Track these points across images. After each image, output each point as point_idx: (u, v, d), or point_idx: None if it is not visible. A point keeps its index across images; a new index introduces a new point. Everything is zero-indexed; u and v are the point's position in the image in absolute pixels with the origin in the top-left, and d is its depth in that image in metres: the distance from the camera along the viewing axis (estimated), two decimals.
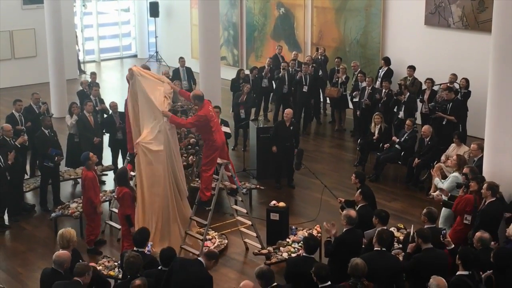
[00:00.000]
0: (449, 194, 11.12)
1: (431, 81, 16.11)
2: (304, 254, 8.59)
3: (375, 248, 8.55)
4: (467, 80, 15.75)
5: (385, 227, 9.14)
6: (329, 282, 7.83)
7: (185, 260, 8.36)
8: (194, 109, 12.12)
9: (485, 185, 10.06)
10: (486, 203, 9.97)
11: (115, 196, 10.94)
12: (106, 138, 15.24)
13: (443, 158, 13.31)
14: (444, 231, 9.27)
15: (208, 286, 8.11)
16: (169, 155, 10.78)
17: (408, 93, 15.83)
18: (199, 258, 8.28)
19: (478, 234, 8.84)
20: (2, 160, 12.34)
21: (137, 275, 7.89)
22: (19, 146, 13.21)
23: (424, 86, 16.48)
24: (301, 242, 10.55)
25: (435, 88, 16.05)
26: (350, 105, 18.10)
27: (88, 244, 11.68)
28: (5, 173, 12.44)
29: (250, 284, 7.57)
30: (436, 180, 11.69)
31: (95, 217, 11.63)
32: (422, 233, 8.74)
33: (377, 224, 9.22)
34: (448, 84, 15.57)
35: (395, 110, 16.02)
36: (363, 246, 9.14)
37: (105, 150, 15.19)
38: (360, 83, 17.20)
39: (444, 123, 14.96)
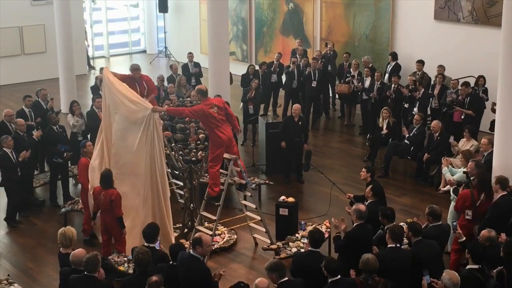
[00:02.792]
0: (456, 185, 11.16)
1: (442, 76, 16.07)
2: (309, 248, 8.60)
3: (389, 245, 8.55)
4: (484, 78, 15.54)
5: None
6: (339, 276, 7.84)
7: (184, 254, 8.42)
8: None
9: (494, 180, 10.07)
10: (497, 197, 9.96)
11: (102, 200, 10.48)
12: None
13: (456, 149, 13.42)
14: (455, 224, 9.26)
15: (206, 277, 8.21)
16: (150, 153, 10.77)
17: (423, 89, 15.78)
18: (191, 252, 8.32)
19: (484, 233, 8.78)
20: (14, 156, 12.40)
21: (146, 271, 7.93)
22: (37, 140, 13.34)
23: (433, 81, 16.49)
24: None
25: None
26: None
27: (83, 233, 11.67)
28: (16, 169, 12.50)
29: (265, 281, 7.58)
30: (445, 170, 11.68)
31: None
32: (413, 227, 8.80)
33: (385, 223, 9.22)
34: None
35: (405, 105, 15.98)
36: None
37: None
38: (365, 78, 17.19)
39: (462, 117, 14.88)
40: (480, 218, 10.06)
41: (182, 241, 11.17)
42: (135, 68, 12.47)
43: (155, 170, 10.79)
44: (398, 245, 8.55)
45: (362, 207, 9.19)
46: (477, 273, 7.99)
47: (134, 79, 12.42)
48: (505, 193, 9.96)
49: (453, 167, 12.10)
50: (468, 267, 8.17)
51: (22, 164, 12.57)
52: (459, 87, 15.21)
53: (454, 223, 9.28)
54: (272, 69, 18.47)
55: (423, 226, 9.34)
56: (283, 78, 18.67)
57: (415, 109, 15.50)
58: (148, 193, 10.83)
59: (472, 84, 15.40)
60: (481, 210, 10.12)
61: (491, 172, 10.94)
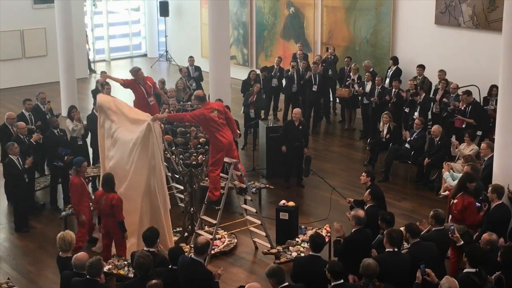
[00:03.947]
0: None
1: (445, 82, 16.06)
2: (311, 253, 8.60)
3: (386, 249, 8.55)
4: (497, 88, 15.40)
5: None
6: (342, 280, 7.83)
7: (185, 259, 8.43)
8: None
9: (490, 188, 10.05)
10: (493, 207, 9.95)
11: (103, 204, 10.49)
12: None
13: (457, 151, 13.50)
14: (452, 228, 9.27)
15: (208, 280, 8.28)
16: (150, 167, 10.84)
17: (424, 94, 15.78)
18: (193, 257, 8.36)
19: (485, 236, 8.80)
20: (21, 162, 12.39)
21: (147, 275, 7.93)
22: (35, 143, 13.35)
23: (434, 86, 16.49)
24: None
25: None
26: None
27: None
28: (23, 176, 12.50)
29: (256, 285, 7.57)
30: (446, 174, 11.67)
31: (81, 224, 11.38)
32: (411, 229, 8.83)
33: (384, 228, 9.23)
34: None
35: (406, 110, 15.98)
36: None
37: None
38: (365, 83, 17.21)
39: (464, 126, 14.82)
40: (458, 221, 10.11)
41: (182, 245, 11.19)
42: (135, 70, 12.61)
43: (154, 184, 10.81)
44: (396, 249, 8.55)
45: (361, 213, 9.19)
46: (474, 277, 8.02)
47: (137, 81, 12.49)
48: (501, 202, 9.95)
49: (453, 171, 12.09)
50: (465, 270, 8.21)
51: (28, 170, 12.58)
52: (459, 92, 15.20)
53: (452, 227, 9.30)
54: (272, 73, 18.48)
55: (425, 230, 9.36)
56: (284, 82, 18.68)
57: (416, 114, 15.50)
58: (147, 207, 10.87)
59: (485, 94, 15.29)
60: (454, 215, 10.18)
61: (492, 177, 10.95)
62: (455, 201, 10.17)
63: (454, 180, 11.47)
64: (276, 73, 18.56)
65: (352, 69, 17.95)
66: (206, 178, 12.18)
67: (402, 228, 10.30)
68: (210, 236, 11.11)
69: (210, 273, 8.41)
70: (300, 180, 14.51)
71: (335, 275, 7.82)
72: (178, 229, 12.00)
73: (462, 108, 14.92)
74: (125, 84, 13.01)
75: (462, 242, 9.25)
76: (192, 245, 8.55)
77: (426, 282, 8.07)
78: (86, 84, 23.01)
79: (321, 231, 11.13)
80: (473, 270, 8.08)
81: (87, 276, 7.91)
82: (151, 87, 12.89)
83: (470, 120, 14.74)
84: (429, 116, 16.07)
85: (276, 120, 17.66)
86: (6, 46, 22.25)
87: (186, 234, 11.74)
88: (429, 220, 9.42)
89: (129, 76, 13.43)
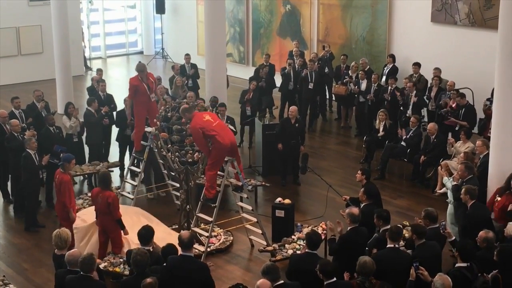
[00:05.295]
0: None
1: (438, 79, 16.07)
2: (307, 250, 8.59)
3: (388, 245, 8.56)
4: None
5: (388, 227, 9.13)
6: (335, 278, 7.83)
7: (175, 258, 8.43)
8: (200, 105, 12.37)
9: (463, 190, 10.06)
10: (469, 207, 9.96)
11: (99, 202, 10.45)
12: (114, 133, 15.22)
13: (452, 149, 13.47)
14: (444, 223, 9.28)
15: (204, 274, 8.30)
16: None
17: (415, 91, 15.77)
18: (183, 253, 8.40)
19: (482, 234, 8.77)
20: (37, 158, 12.37)
21: (145, 272, 7.93)
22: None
23: (430, 84, 16.51)
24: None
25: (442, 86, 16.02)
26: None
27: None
28: (38, 172, 12.50)
29: (267, 283, 7.57)
30: (445, 180, 11.64)
31: (72, 222, 11.24)
32: (417, 230, 8.81)
33: (381, 225, 9.23)
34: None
35: (401, 108, 15.97)
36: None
37: (112, 146, 15.20)
38: (360, 81, 17.20)
39: (457, 128, 14.80)
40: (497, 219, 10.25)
41: None
42: (141, 70, 12.63)
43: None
44: (396, 245, 8.56)
45: (355, 210, 9.19)
46: (465, 271, 8.07)
47: (140, 78, 12.52)
48: (474, 200, 9.97)
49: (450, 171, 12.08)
50: (457, 265, 8.26)
51: (44, 167, 12.58)
52: (453, 91, 15.19)
53: (443, 223, 9.31)
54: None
55: None
56: (276, 79, 18.64)
57: (409, 111, 15.50)
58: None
59: (489, 95, 15.31)
60: (495, 213, 10.35)
61: (487, 175, 10.96)
62: (499, 198, 10.20)
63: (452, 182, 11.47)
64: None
65: (353, 67, 17.86)
66: (202, 176, 12.17)
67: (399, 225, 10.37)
68: (207, 234, 11.13)
69: (204, 264, 8.48)
70: (296, 178, 14.51)
71: (327, 275, 7.83)
72: (174, 227, 11.99)
73: (454, 106, 14.91)
74: (131, 94, 12.94)
75: (454, 238, 9.27)
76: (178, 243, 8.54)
77: (420, 279, 8.08)
78: (82, 81, 22.97)
79: (317, 229, 11.12)
80: (464, 264, 8.15)
81: (81, 273, 7.92)
82: (153, 83, 12.90)
83: (463, 123, 14.71)
84: (424, 114, 16.07)
85: (272, 118, 17.65)
86: (2, 43, 22.21)
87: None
88: (423, 220, 9.40)
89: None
